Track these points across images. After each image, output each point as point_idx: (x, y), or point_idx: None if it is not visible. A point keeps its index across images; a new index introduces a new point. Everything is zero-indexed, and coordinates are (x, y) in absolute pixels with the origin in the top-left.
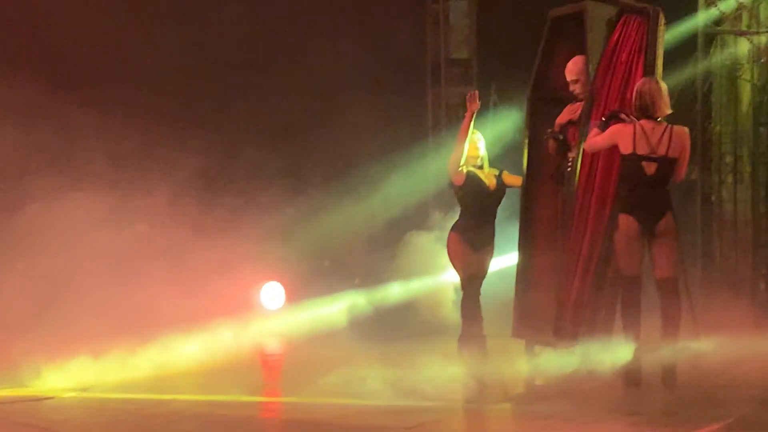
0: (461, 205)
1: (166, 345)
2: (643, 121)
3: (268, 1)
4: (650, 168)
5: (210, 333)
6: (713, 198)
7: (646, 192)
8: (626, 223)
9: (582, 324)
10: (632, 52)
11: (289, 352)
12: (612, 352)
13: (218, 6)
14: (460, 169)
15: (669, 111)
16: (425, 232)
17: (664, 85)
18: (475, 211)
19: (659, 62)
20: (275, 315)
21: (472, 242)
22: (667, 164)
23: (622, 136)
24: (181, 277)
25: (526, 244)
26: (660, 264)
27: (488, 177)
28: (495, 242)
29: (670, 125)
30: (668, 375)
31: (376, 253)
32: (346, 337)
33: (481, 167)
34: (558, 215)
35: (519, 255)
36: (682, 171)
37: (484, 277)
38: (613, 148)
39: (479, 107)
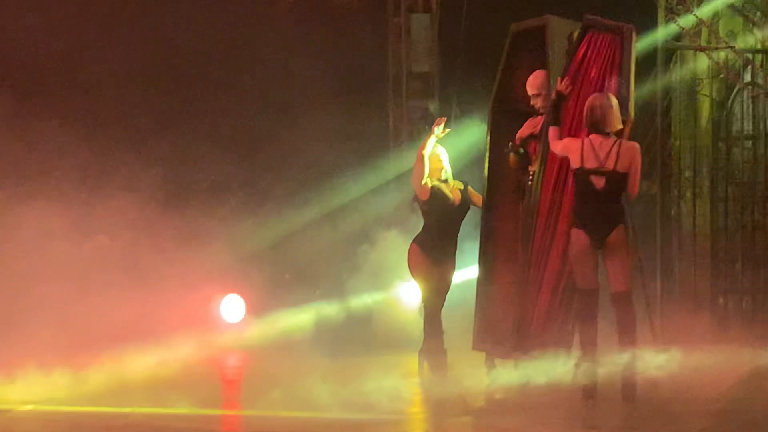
0: (425, 219)
1: (124, 357)
2: (592, 136)
3: (229, 14)
4: (599, 182)
5: (169, 345)
6: (673, 212)
7: (595, 206)
8: (578, 237)
9: (547, 337)
10: (604, 68)
11: (249, 365)
12: (570, 365)
13: (179, 19)
14: (424, 183)
15: (620, 126)
16: (395, 234)
17: (615, 101)
18: (439, 226)
19: (632, 80)
20: (235, 327)
21: (433, 256)
22: (617, 178)
23: (571, 149)
24: (140, 289)
25: (486, 258)
26: (613, 277)
27: (453, 191)
28: (456, 256)
29: (619, 140)
30: (627, 388)
31: (338, 266)
32: (307, 350)
33: (445, 181)
34: (519, 229)
35: (479, 268)
36: (635, 186)
37: (446, 290)
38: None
39: (442, 134)
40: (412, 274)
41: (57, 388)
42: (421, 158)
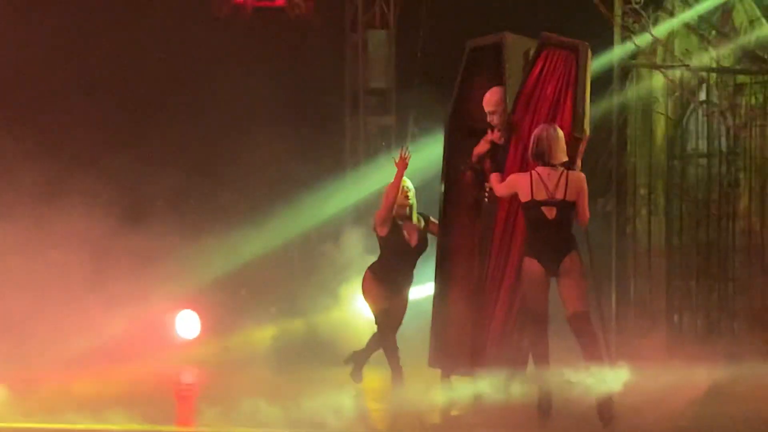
0: (381, 251)
1: (76, 373)
2: (539, 168)
3: (185, 31)
4: (550, 212)
5: (122, 361)
6: (628, 230)
7: (548, 235)
8: (530, 266)
9: (502, 354)
10: (559, 85)
11: (205, 382)
12: (526, 382)
13: (136, 35)
14: (383, 222)
15: (565, 158)
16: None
17: (560, 132)
18: (394, 261)
19: (588, 97)
20: (191, 344)
21: (386, 286)
22: (566, 208)
23: (519, 184)
24: (94, 304)
25: (443, 274)
26: (570, 300)
27: (411, 232)
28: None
29: (565, 170)
30: (604, 409)
31: (295, 283)
32: (264, 366)
33: (409, 217)
34: (476, 246)
35: (436, 284)
36: (585, 214)
37: (400, 317)
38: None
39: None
40: (364, 298)
41: (5, 404)
42: (389, 200)
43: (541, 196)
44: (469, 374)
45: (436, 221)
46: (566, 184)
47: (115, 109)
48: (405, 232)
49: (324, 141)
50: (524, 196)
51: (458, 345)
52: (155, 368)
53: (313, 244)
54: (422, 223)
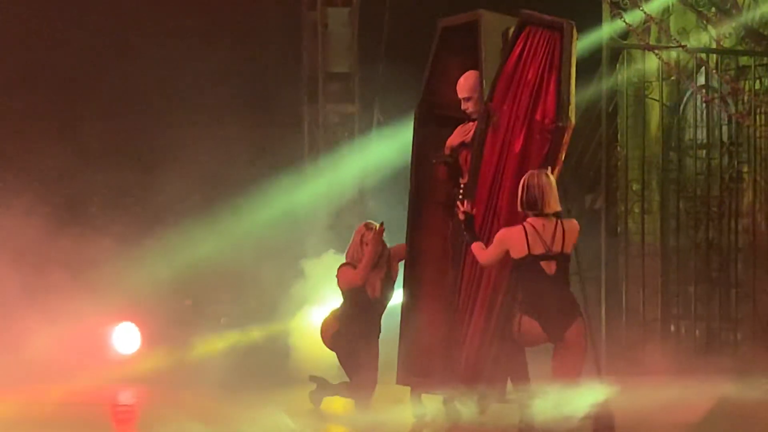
0: (343, 301)
1: (3, 393)
2: (532, 220)
3: (123, 13)
4: (550, 267)
5: (54, 379)
6: (619, 229)
7: (549, 294)
8: (530, 328)
9: (479, 369)
10: (542, 69)
11: (145, 402)
12: (504, 400)
13: (70, 19)
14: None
15: (558, 207)
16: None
17: (553, 179)
18: (356, 313)
19: (573, 82)
20: (129, 359)
21: (350, 337)
22: (565, 261)
23: (513, 239)
24: (23, 316)
25: (412, 280)
26: (563, 372)
27: (373, 282)
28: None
29: (559, 220)
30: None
31: (245, 291)
32: (211, 385)
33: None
34: (448, 247)
35: (405, 292)
36: None
37: (374, 363)
38: (520, 172)
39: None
40: (327, 346)
41: None
42: (362, 271)
43: (538, 249)
44: (441, 391)
45: (402, 244)
46: (563, 236)
47: (42, 97)
48: (366, 291)
49: (279, 132)
50: (519, 252)
51: (430, 359)
52: (90, 387)
53: (267, 246)
54: (384, 268)
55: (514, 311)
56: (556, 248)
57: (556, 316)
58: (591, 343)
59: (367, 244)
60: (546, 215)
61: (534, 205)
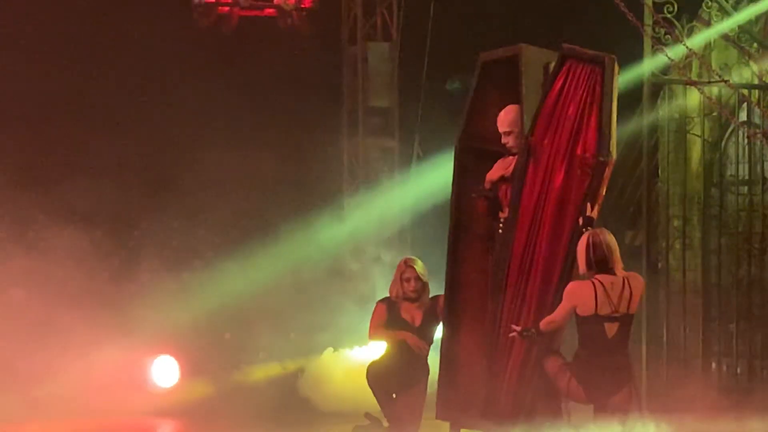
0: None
1: (38, 427)
2: (600, 277)
3: (162, 40)
4: (612, 329)
5: (93, 412)
6: (660, 265)
7: (603, 360)
8: (575, 394)
9: (519, 406)
10: (583, 104)
11: None
12: None
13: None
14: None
15: (622, 267)
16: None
17: (613, 237)
18: (402, 347)
19: (614, 116)
20: (168, 392)
21: (395, 379)
22: (627, 323)
23: (582, 296)
24: (63, 349)
25: (452, 314)
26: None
27: (413, 311)
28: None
29: (626, 276)
30: None
31: (285, 324)
32: (246, 417)
33: (415, 299)
34: (488, 281)
35: (444, 326)
36: None
37: (419, 410)
38: (561, 206)
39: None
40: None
41: None
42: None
43: (605, 310)
44: (481, 427)
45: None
46: (630, 295)
47: (83, 128)
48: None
49: (319, 165)
50: (587, 310)
51: (470, 394)
52: (129, 420)
53: (307, 279)
54: (424, 302)
55: (565, 369)
56: (623, 308)
57: (605, 383)
58: (637, 405)
59: (408, 281)
60: (614, 273)
61: (604, 264)
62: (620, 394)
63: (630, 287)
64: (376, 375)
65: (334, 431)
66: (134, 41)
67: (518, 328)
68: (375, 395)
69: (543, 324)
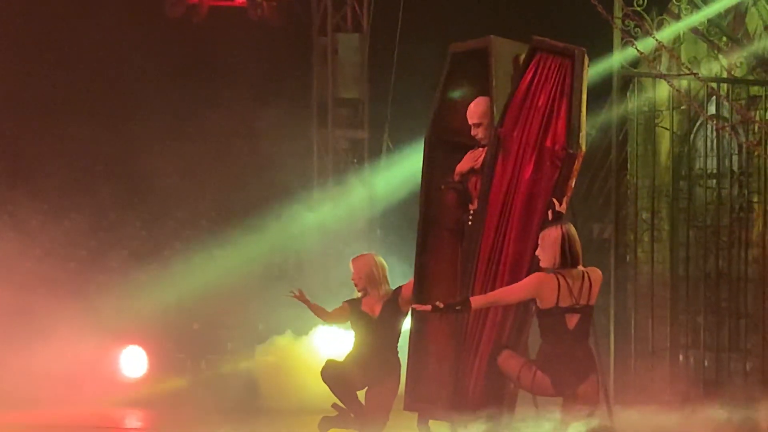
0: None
1: (5, 418)
2: (564, 271)
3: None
4: (572, 320)
5: (61, 404)
6: (628, 258)
7: (565, 349)
8: (541, 384)
9: (487, 396)
10: (552, 96)
11: (152, 425)
12: (514, 428)
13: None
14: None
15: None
16: None
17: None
18: (364, 340)
19: (584, 109)
20: (136, 383)
21: (357, 382)
22: (588, 313)
23: (547, 289)
24: (30, 341)
25: (420, 305)
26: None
27: (373, 303)
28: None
29: (585, 270)
30: None
31: (254, 315)
32: (219, 409)
33: (364, 295)
34: (457, 273)
35: (412, 318)
36: None
37: (390, 401)
38: (530, 199)
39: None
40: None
41: None
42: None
43: (565, 302)
44: (449, 418)
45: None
46: (590, 288)
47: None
48: (363, 305)
49: (288, 157)
50: (547, 303)
51: (438, 385)
52: (97, 410)
53: (276, 270)
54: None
55: (530, 363)
56: (583, 300)
57: (569, 373)
58: (604, 396)
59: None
60: (576, 267)
61: (575, 259)
62: (586, 384)
63: (590, 280)
64: (331, 376)
65: (301, 422)
66: (104, 32)
67: (441, 305)
68: (334, 394)
69: (481, 299)
